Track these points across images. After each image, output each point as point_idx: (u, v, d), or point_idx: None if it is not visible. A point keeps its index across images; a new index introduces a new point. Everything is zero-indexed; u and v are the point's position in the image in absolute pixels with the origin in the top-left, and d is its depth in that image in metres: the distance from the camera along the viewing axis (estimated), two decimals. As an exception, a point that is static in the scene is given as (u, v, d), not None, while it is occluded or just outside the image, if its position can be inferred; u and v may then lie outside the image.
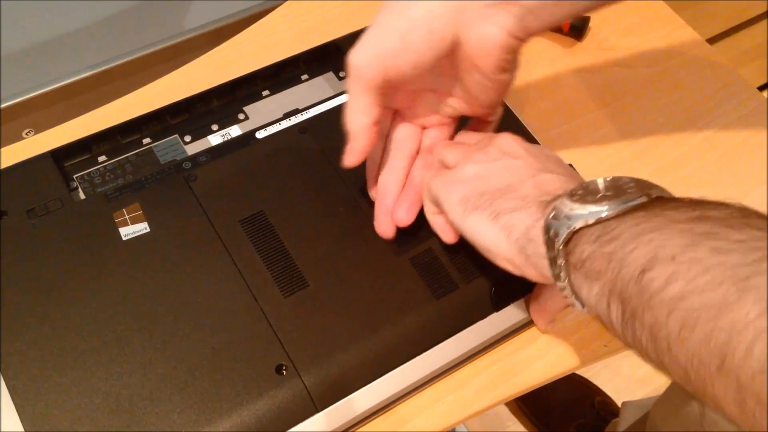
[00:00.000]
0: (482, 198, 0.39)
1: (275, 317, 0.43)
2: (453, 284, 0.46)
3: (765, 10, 1.23)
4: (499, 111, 0.47)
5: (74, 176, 0.51)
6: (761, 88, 1.45)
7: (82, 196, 0.50)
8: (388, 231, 0.45)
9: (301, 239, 0.46)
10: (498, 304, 0.46)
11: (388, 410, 0.45)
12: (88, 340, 0.42)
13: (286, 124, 0.53)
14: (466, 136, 0.47)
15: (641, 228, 0.31)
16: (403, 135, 0.46)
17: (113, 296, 0.43)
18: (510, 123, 0.50)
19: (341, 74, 0.58)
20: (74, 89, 0.75)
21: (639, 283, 0.30)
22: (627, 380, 1.10)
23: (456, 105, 0.44)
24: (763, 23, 1.25)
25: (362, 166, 0.45)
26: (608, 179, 0.35)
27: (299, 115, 0.54)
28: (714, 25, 1.16)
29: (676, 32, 0.66)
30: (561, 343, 0.48)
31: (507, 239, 0.38)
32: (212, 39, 0.78)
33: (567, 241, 0.34)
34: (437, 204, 0.43)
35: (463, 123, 0.48)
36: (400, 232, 0.46)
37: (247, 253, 0.45)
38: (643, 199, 0.33)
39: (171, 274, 0.44)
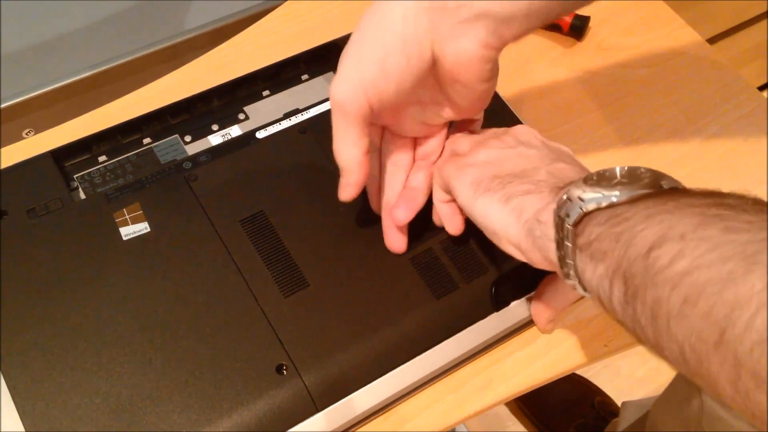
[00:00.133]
0: (494, 181, 0.40)
1: (275, 317, 0.43)
2: (453, 284, 0.46)
3: (765, 10, 1.23)
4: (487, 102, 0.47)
5: (74, 176, 0.51)
6: (761, 88, 1.45)
7: (83, 195, 0.50)
8: (399, 246, 0.46)
9: (302, 239, 0.46)
10: (498, 304, 0.46)
11: (389, 410, 0.45)
12: (88, 340, 0.42)
13: (286, 124, 0.53)
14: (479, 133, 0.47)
15: (653, 211, 0.31)
16: (396, 148, 0.46)
17: (113, 296, 0.43)
18: (510, 123, 0.50)
19: (341, 74, 0.58)
20: (74, 89, 0.75)
21: (645, 260, 0.30)
22: (627, 380, 1.10)
23: (442, 113, 0.44)
24: (763, 23, 1.26)
25: None
26: (625, 168, 0.35)
27: (299, 115, 0.54)
28: (714, 25, 1.16)
29: (676, 32, 0.66)
30: (561, 343, 0.48)
31: (516, 222, 0.38)
32: (212, 39, 0.78)
33: (577, 223, 0.34)
34: (447, 190, 0.43)
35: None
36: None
37: (247, 252, 0.45)
38: (657, 188, 0.33)
39: (171, 274, 0.44)
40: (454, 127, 0.47)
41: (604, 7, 0.66)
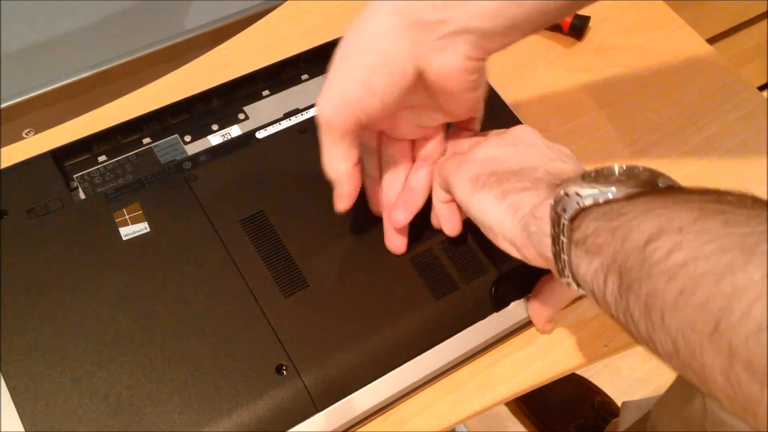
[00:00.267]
0: (492, 177, 0.40)
1: (275, 317, 0.43)
2: (453, 284, 0.46)
3: (765, 10, 1.23)
4: (482, 108, 0.47)
5: (74, 176, 0.51)
6: (761, 88, 1.45)
7: (83, 195, 0.50)
8: (399, 247, 0.46)
9: (302, 239, 0.46)
10: (498, 304, 0.46)
11: (388, 410, 0.45)
12: (88, 340, 0.42)
13: (286, 124, 0.53)
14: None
15: (651, 206, 0.31)
16: (394, 151, 0.46)
17: (113, 296, 0.43)
18: (510, 123, 0.50)
19: (341, 74, 0.58)
20: (74, 89, 0.75)
21: (641, 253, 0.30)
22: (627, 380, 1.10)
23: (436, 116, 0.44)
24: (763, 23, 1.26)
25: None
26: (624, 166, 0.35)
27: (299, 115, 0.54)
28: (714, 25, 1.16)
29: (676, 32, 0.66)
30: (561, 343, 0.48)
31: (512, 218, 0.38)
32: (212, 39, 0.78)
33: (573, 218, 0.34)
34: (447, 188, 0.43)
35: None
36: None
37: (247, 253, 0.45)
38: (654, 186, 0.33)
39: (171, 274, 0.44)
40: (454, 126, 0.47)
41: (604, 7, 0.66)
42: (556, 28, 0.64)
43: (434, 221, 0.46)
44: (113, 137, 0.53)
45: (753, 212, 0.28)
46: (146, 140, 0.53)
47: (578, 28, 0.64)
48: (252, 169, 0.50)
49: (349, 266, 0.46)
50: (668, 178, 0.34)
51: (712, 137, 0.59)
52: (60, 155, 0.51)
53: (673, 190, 0.33)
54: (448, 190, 0.43)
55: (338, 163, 0.41)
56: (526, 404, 1.07)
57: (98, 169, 0.51)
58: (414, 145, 0.46)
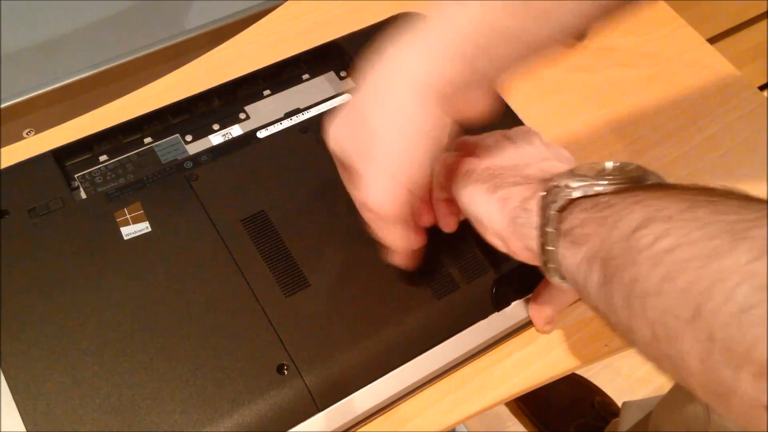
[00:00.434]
0: (485, 172, 0.40)
1: (276, 317, 0.43)
2: (454, 284, 0.46)
3: (765, 10, 1.23)
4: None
5: (75, 176, 0.51)
6: (761, 88, 1.45)
7: (84, 195, 0.50)
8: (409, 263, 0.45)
9: (303, 239, 0.46)
10: (498, 304, 0.46)
11: (389, 410, 0.45)
12: (89, 340, 0.42)
13: (287, 123, 0.53)
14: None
15: (641, 197, 0.31)
16: None
17: (114, 296, 0.43)
18: (511, 124, 0.50)
19: (342, 74, 0.58)
20: (74, 89, 0.75)
21: (628, 241, 0.30)
22: (627, 380, 1.10)
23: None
24: (763, 23, 1.26)
25: None
26: (616, 163, 0.35)
27: (300, 114, 0.54)
28: (714, 25, 1.16)
29: (676, 32, 0.66)
30: (561, 343, 0.48)
31: (500, 211, 0.38)
32: (212, 39, 0.78)
33: (562, 209, 0.34)
34: (445, 184, 0.43)
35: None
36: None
37: (248, 252, 0.45)
38: (645, 182, 0.33)
39: (172, 274, 0.44)
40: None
41: (604, 7, 0.66)
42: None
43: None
44: (114, 137, 0.53)
45: (742, 202, 0.28)
46: (147, 140, 0.53)
47: (578, 28, 0.64)
48: (253, 168, 0.50)
49: (350, 266, 0.46)
50: (658, 176, 0.34)
51: (712, 137, 0.59)
52: (61, 155, 0.51)
53: (663, 185, 0.33)
54: (446, 187, 0.43)
55: (401, 242, 0.40)
56: (526, 404, 1.07)
57: (99, 168, 0.51)
58: None
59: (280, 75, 0.57)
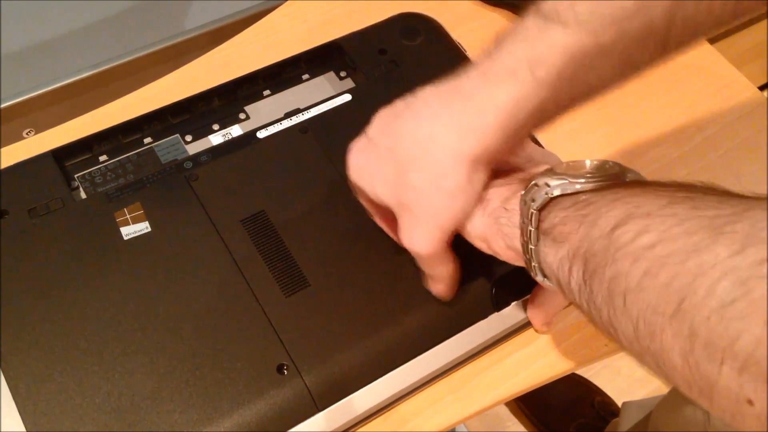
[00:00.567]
0: None
1: (276, 317, 0.43)
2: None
3: (765, 10, 1.23)
4: None
5: (75, 176, 0.51)
6: (761, 88, 1.45)
7: (84, 195, 0.50)
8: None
9: (302, 239, 0.46)
10: (498, 304, 0.46)
11: (389, 410, 0.45)
12: (89, 340, 0.42)
13: (287, 123, 0.53)
14: None
15: (620, 195, 0.31)
16: None
17: (114, 296, 0.43)
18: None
19: (342, 74, 0.58)
20: (74, 89, 0.75)
21: (608, 238, 0.30)
22: (627, 380, 1.10)
23: None
24: (763, 23, 1.26)
25: None
26: (595, 161, 0.36)
27: (300, 114, 0.54)
28: (714, 25, 1.15)
29: (676, 32, 0.66)
30: (561, 343, 0.48)
31: (482, 212, 0.38)
32: (212, 39, 0.78)
33: (542, 208, 0.34)
34: None
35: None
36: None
37: (248, 252, 0.45)
38: (624, 179, 0.33)
39: (172, 274, 0.44)
40: None
41: (604, 7, 0.66)
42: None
43: None
44: (114, 137, 0.53)
45: (721, 198, 0.28)
46: (147, 140, 0.53)
47: (578, 28, 0.64)
48: (253, 168, 0.50)
49: (350, 266, 0.46)
50: (637, 174, 0.34)
51: (712, 137, 0.59)
52: (61, 155, 0.51)
53: (642, 182, 0.33)
54: None
55: (444, 272, 0.42)
56: (526, 404, 1.07)
57: (99, 168, 0.51)
58: None
59: (280, 75, 0.57)
